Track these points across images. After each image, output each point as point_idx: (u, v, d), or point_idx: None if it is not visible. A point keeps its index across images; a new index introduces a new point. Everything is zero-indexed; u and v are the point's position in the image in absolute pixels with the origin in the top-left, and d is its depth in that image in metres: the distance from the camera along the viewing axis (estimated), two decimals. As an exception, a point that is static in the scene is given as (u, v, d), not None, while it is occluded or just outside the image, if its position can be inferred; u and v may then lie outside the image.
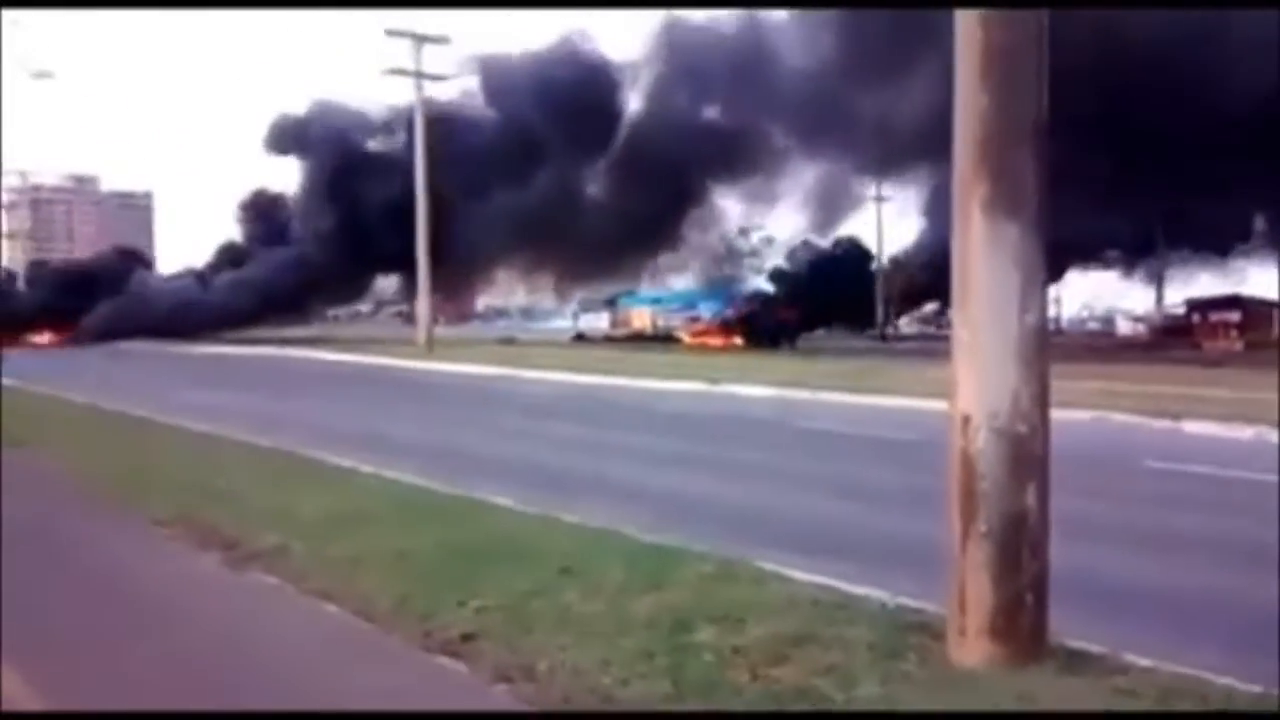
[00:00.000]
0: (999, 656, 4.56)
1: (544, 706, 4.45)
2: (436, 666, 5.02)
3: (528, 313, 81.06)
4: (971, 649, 4.61)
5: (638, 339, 55.01)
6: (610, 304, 64.01)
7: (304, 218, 56.27)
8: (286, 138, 56.62)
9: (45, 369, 30.45)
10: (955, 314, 4.86)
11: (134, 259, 66.81)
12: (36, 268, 70.14)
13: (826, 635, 4.96)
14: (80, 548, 7.78)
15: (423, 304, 45.95)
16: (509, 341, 50.10)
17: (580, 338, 57.99)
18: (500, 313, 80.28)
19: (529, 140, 47.84)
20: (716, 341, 49.73)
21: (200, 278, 61.26)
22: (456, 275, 53.84)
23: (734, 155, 46.68)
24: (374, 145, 55.72)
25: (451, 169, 45.28)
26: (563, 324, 66.55)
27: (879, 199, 50.49)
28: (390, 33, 45.54)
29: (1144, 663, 4.63)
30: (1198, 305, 47.98)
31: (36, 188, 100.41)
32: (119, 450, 12.29)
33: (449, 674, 4.93)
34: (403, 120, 50.24)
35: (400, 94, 56.05)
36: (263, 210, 60.78)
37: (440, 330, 47.92)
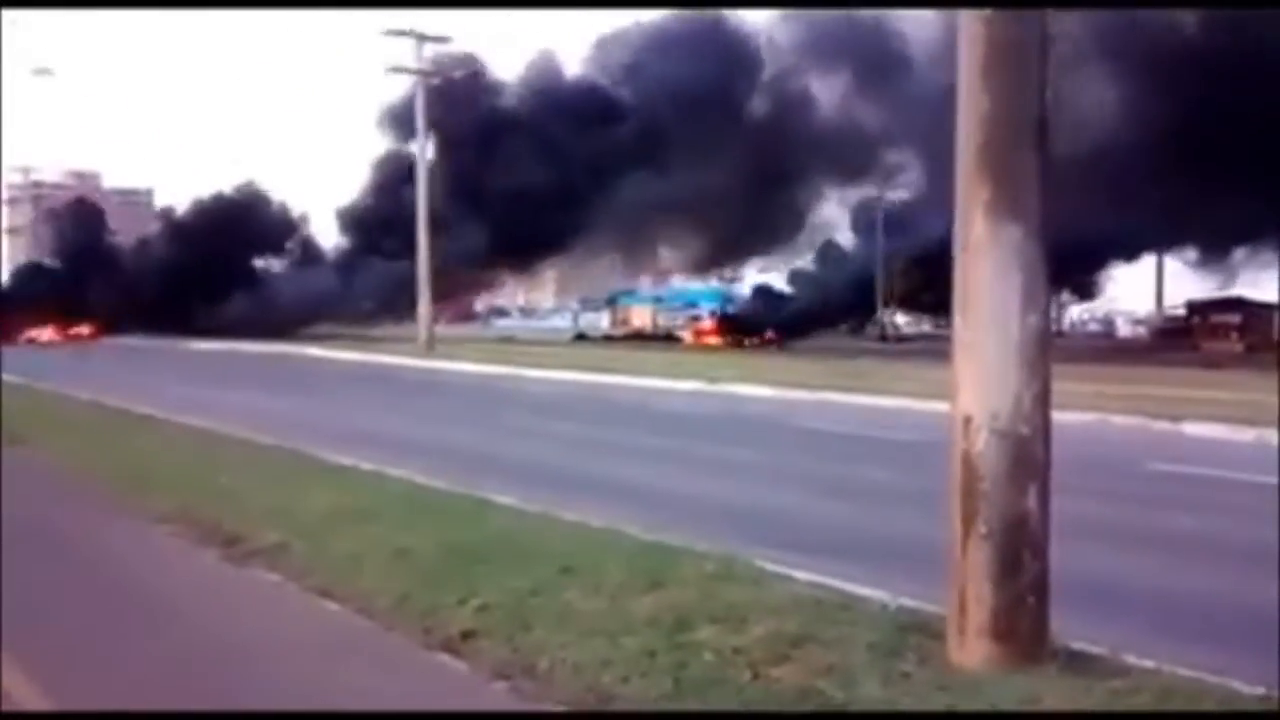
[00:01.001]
0: (999, 657, 4.56)
1: (544, 705, 4.45)
2: (436, 664, 5.03)
3: (527, 312, 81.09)
4: (972, 650, 4.61)
5: (638, 338, 55.07)
6: (611, 303, 64.05)
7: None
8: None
9: (48, 366, 30.46)
10: (957, 315, 4.86)
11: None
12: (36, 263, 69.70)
13: (827, 635, 4.96)
14: (80, 544, 7.79)
15: (423, 302, 45.93)
16: (509, 340, 50.14)
17: (581, 337, 58.03)
18: (500, 312, 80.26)
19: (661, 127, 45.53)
20: (716, 340, 49.78)
21: (344, 267, 57.59)
22: (456, 275, 53.36)
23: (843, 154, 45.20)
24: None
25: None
26: (562, 323, 66.55)
27: (880, 198, 50.44)
28: (390, 32, 45.54)
29: (1145, 664, 4.64)
30: (1198, 307, 47.95)
31: (38, 184, 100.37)
32: (120, 447, 12.29)
33: (449, 672, 4.94)
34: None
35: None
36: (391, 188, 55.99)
37: (440, 329, 47.84)
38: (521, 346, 43.04)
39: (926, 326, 55.90)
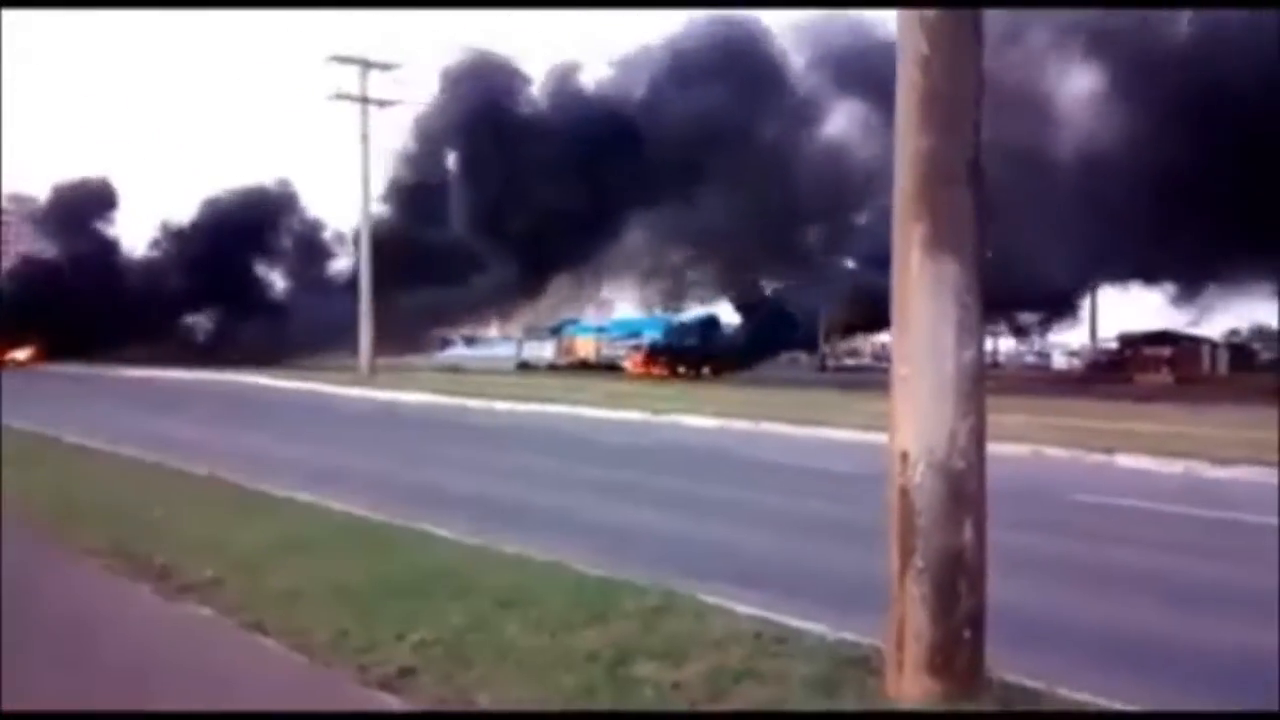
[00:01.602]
0: (936, 692, 4.60)
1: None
2: (375, 701, 4.96)
3: (471, 341, 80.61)
4: (909, 684, 4.65)
5: (582, 367, 55.04)
6: (555, 332, 63.94)
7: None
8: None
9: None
10: (894, 350, 4.92)
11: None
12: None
13: (766, 670, 4.98)
14: (6, 578, 7.58)
15: (364, 330, 45.61)
16: (453, 369, 49.86)
17: (524, 366, 57.85)
18: (445, 341, 79.73)
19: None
20: (661, 370, 49.89)
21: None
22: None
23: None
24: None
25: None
26: (506, 352, 66.26)
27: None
28: (336, 59, 45.45)
29: (1078, 696, 4.70)
30: (1130, 340, 49.00)
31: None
32: (50, 477, 12.02)
33: (386, 710, 4.87)
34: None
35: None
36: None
37: (382, 359, 47.48)
38: (466, 376, 42.82)
39: (866, 359, 56.51)
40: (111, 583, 7.38)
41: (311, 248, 64.31)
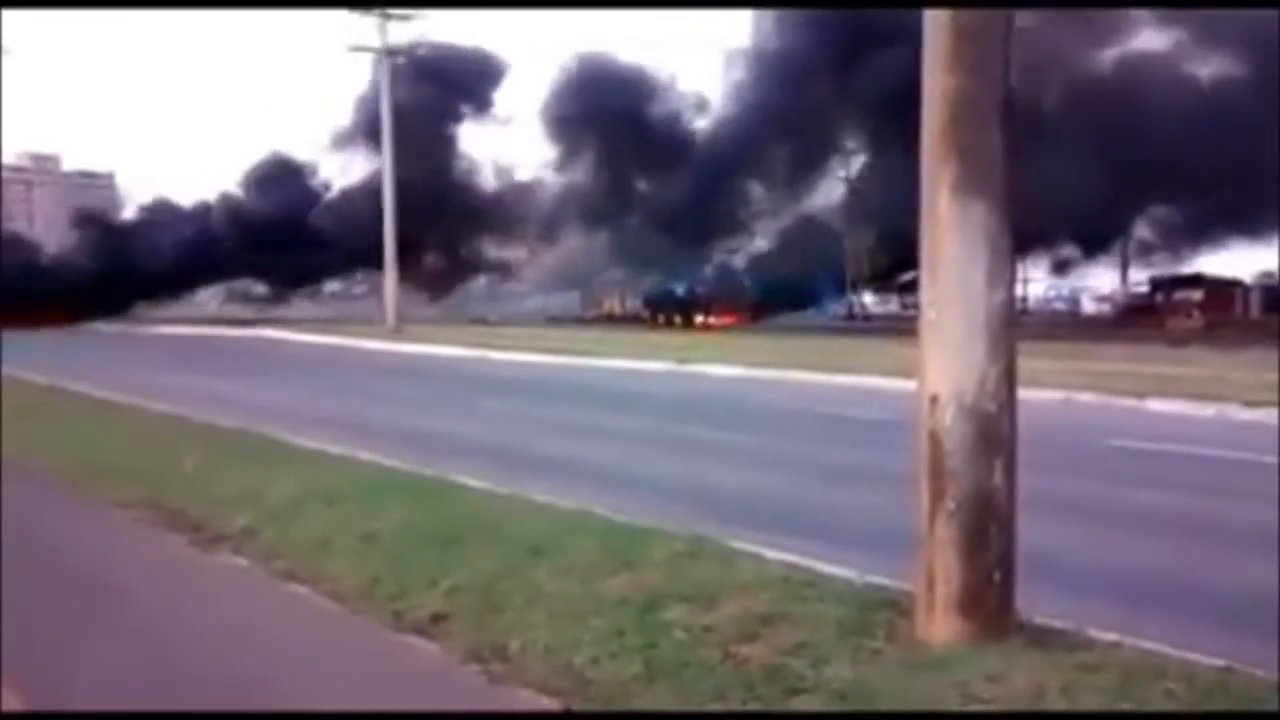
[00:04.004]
0: (966, 633, 4.60)
1: (515, 685, 4.46)
2: (407, 647, 5.02)
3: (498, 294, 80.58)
4: (939, 626, 4.66)
5: (609, 319, 54.98)
6: (581, 285, 63.87)
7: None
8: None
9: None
10: (923, 293, 4.88)
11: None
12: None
13: (796, 613, 4.99)
14: (43, 532, 7.70)
15: (390, 285, 45.75)
16: (479, 322, 49.97)
17: (553, 319, 57.83)
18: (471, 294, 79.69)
19: None
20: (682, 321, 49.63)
21: None
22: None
23: None
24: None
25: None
26: (533, 306, 66.24)
27: (847, 179, 50.47)
28: (354, 6, 45.17)
29: (1108, 638, 4.69)
30: (1161, 284, 48.37)
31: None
32: (82, 433, 12.16)
33: (420, 654, 4.93)
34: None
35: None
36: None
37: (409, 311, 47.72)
38: (495, 330, 42.93)
39: (894, 306, 56.05)
40: (145, 533, 7.48)
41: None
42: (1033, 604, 4.85)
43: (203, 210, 61.54)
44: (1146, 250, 46.48)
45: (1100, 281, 57.44)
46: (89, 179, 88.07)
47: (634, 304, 58.01)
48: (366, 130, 55.49)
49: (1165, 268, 46.70)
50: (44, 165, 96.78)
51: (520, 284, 71.73)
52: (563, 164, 54.63)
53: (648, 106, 51.59)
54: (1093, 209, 38.63)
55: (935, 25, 4.75)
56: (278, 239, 54.67)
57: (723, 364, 23.06)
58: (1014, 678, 4.20)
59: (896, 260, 43.77)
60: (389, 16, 45.76)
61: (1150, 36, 38.67)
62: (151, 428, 12.58)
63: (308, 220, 57.25)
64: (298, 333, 41.00)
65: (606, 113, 48.82)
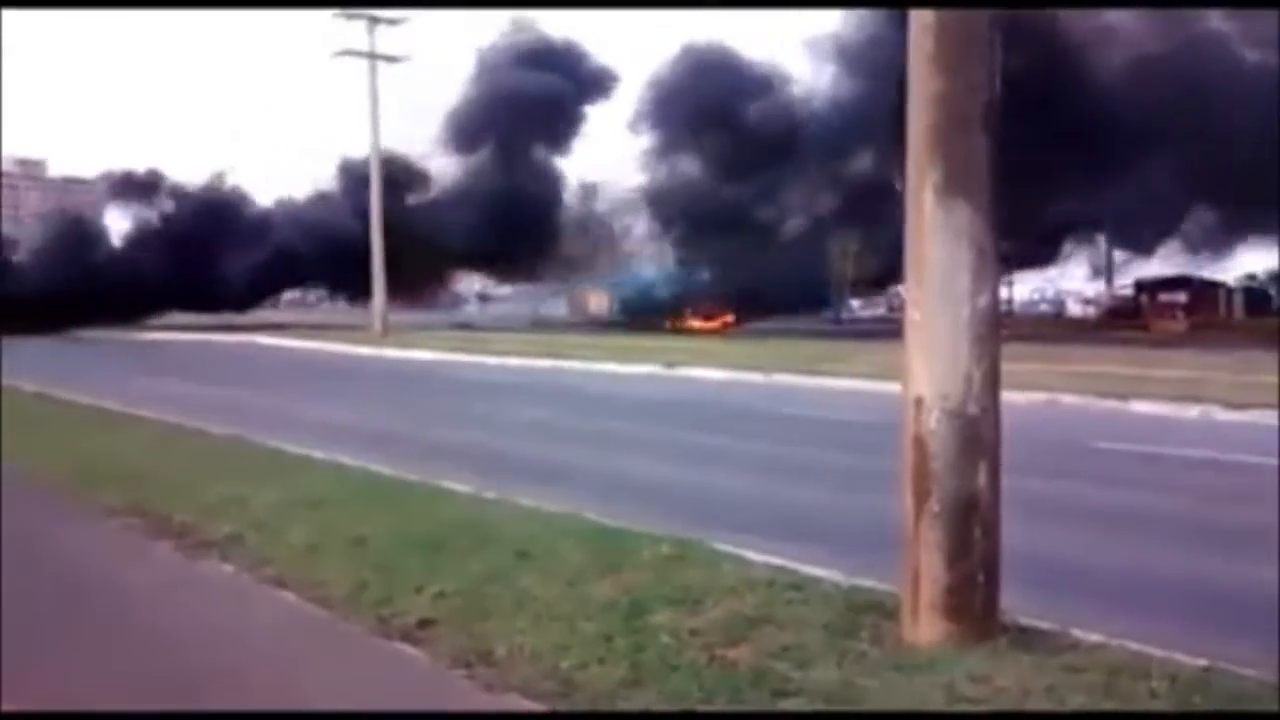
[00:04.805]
0: (951, 635, 4.62)
1: (502, 690, 4.46)
2: (394, 653, 5.02)
3: (484, 298, 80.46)
4: (924, 628, 4.68)
5: (595, 323, 54.95)
6: (565, 289, 63.91)
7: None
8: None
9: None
10: (908, 296, 4.91)
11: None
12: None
13: (782, 616, 5.01)
14: (29, 538, 7.66)
15: (377, 290, 45.70)
16: (465, 327, 49.91)
17: (538, 322, 57.75)
18: (457, 298, 79.55)
19: None
20: (684, 325, 49.61)
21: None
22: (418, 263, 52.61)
23: None
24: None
25: None
26: (519, 309, 66.21)
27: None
28: (343, 14, 45.11)
29: (1092, 638, 4.72)
30: (1146, 286, 48.64)
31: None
32: (67, 439, 12.11)
33: (407, 660, 4.92)
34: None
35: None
36: None
37: (395, 316, 47.60)
38: (481, 334, 42.86)
39: (880, 310, 56.16)
40: (132, 540, 7.45)
41: None
42: (1017, 605, 4.87)
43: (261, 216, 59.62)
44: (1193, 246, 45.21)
45: (1084, 284, 57.72)
46: (75, 184, 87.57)
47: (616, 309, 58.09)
48: (455, 137, 55.93)
49: (1208, 266, 46.42)
50: (30, 170, 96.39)
51: (504, 287, 71.82)
52: (660, 163, 53.16)
53: (752, 101, 48.98)
54: (1149, 205, 38.62)
55: (920, 28, 4.78)
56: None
57: (711, 367, 23.09)
58: (999, 678, 4.22)
59: (883, 263, 43.78)
60: (377, 20, 45.69)
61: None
62: (139, 434, 12.52)
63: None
64: (288, 339, 40.92)
65: (715, 108, 47.15)
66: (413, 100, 72.05)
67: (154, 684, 4.73)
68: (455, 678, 4.65)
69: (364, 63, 46.26)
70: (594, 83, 56.87)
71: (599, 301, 61.64)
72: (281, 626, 5.57)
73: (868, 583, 5.48)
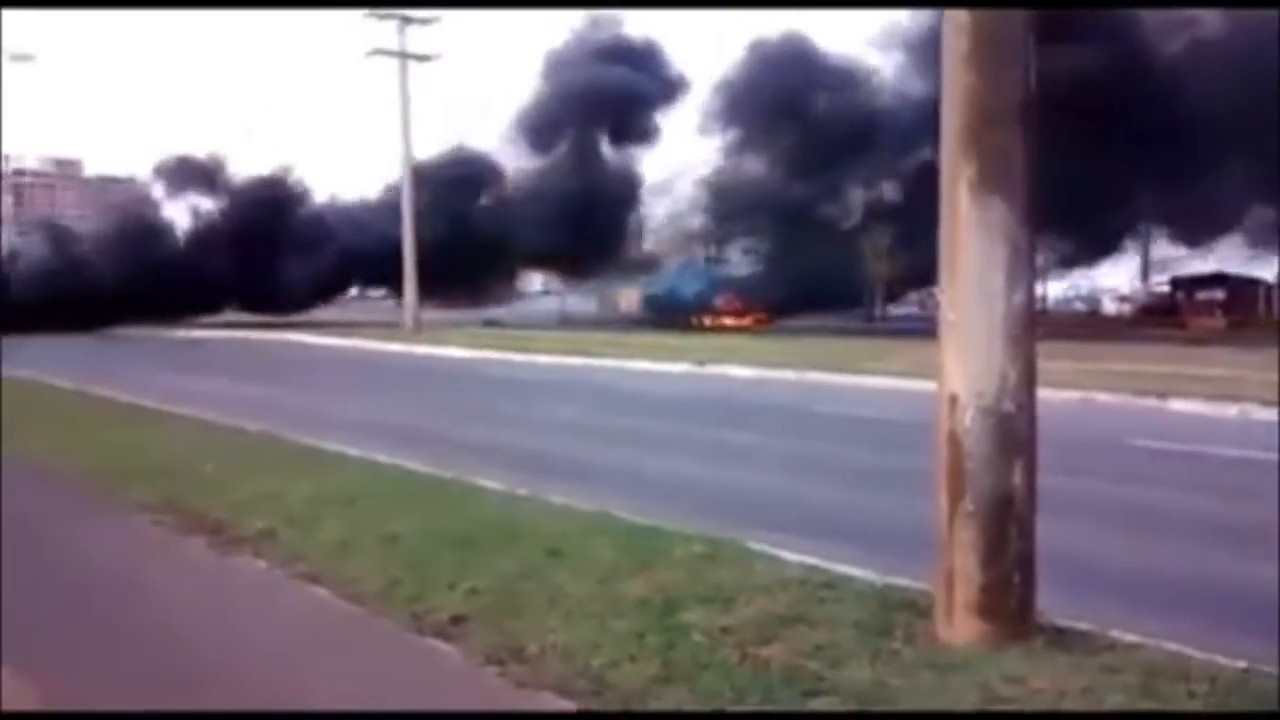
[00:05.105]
0: (986, 634, 4.59)
1: (535, 688, 4.46)
2: (427, 649, 5.03)
3: (515, 294, 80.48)
4: (959, 627, 4.64)
5: (623, 321, 54.92)
6: (595, 287, 63.87)
7: None
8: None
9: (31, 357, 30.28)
10: (942, 294, 4.87)
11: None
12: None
13: (815, 615, 4.99)
14: (63, 534, 7.75)
15: (409, 288, 45.93)
16: (494, 324, 50.05)
17: (566, 321, 57.82)
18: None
19: None
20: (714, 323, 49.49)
21: None
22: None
23: None
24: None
25: None
26: (550, 306, 66.29)
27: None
28: (374, 14, 45.32)
29: (1129, 639, 4.67)
30: (1183, 283, 48.05)
31: (19, 172, 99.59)
32: (102, 435, 12.23)
33: (439, 656, 4.94)
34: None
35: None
36: None
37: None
38: (511, 331, 42.99)
39: (913, 308, 55.76)
40: (164, 536, 7.51)
41: None
42: (1052, 605, 4.83)
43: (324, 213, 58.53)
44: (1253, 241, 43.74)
45: (1120, 281, 57.12)
46: (111, 183, 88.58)
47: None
48: (529, 132, 55.42)
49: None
50: (66, 170, 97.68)
51: (533, 284, 71.76)
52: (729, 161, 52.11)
53: (824, 96, 47.27)
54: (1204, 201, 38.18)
55: (954, 26, 4.75)
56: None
57: (741, 366, 23.03)
58: (1034, 679, 4.18)
59: (915, 261, 43.46)
60: (409, 20, 45.88)
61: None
62: (173, 430, 12.63)
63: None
64: (321, 336, 41.22)
65: (786, 103, 45.89)
66: (482, 98, 71.23)
67: (180, 683, 4.76)
68: (488, 675, 4.65)
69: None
70: (670, 82, 55.92)
71: (629, 299, 61.53)
72: (314, 623, 5.60)
73: (901, 581, 5.44)
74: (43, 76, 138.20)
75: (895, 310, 55.67)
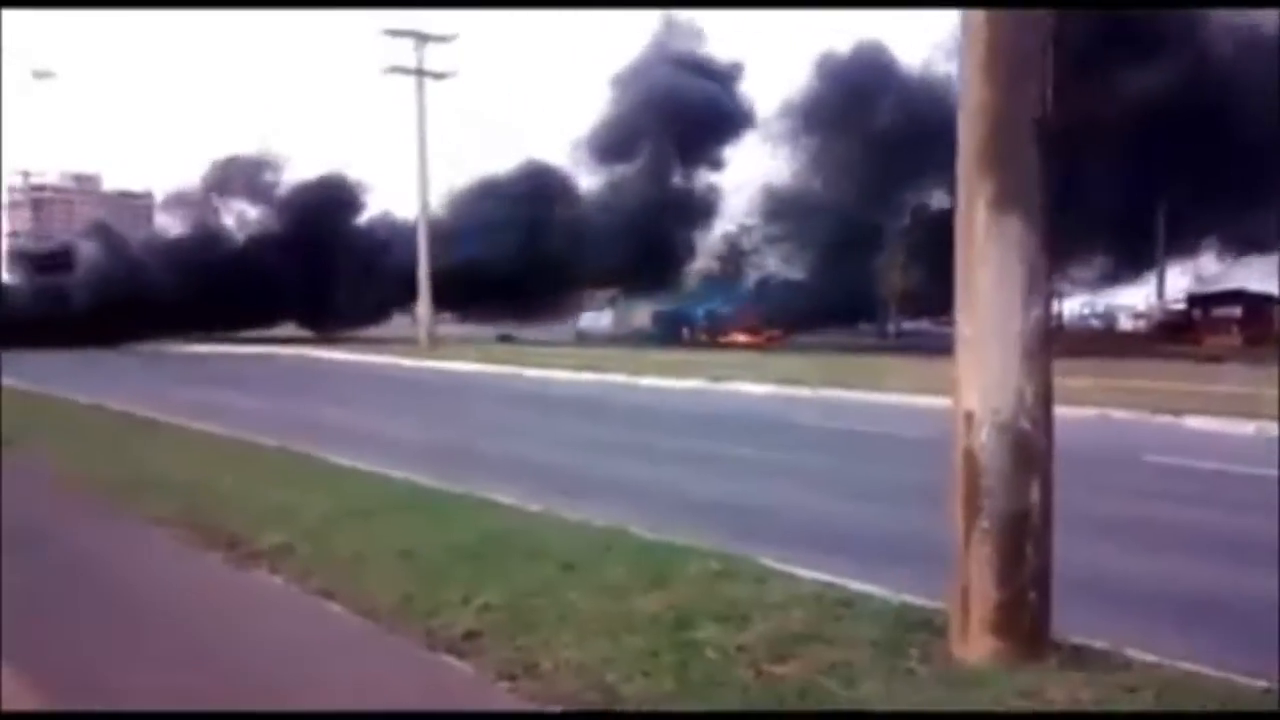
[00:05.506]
0: (1002, 653, 4.56)
1: (548, 705, 4.45)
2: (440, 665, 5.03)
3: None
4: (974, 646, 4.62)
5: (636, 338, 54.95)
6: (611, 303, 63.91)
7: None
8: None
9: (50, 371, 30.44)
10: (959, 310, 4.86)
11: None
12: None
13: (830, 632, 4.96)
14: (78, 548, 7.77)
15: (423, 304, 46.07)
16: (507, 339, 50.14)
17: (581, 337, 57.86)
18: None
19: None
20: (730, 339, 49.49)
21: None
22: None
23: None
24: None
25: None
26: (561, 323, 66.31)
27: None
28: (391, 33, 45.58)
29: (1146, 658, 4.63)
30: (1199, 300, 47.81)
31: (38, 187, 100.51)
32: (119, 449, 12.28)
33: (453, 672, 4.93)
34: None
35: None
36: None
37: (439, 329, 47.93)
38: (520, 347, 43.06)
39: (926, 323, 55.58)
40: (180, 550, 7.53)
41: None
42: (1068, 624, 4.80)
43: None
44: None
45: (1136, 298, 56.86)
46: (129, 198, 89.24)
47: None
48: (597, 147, 54.99)
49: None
50: (85, 185, 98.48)
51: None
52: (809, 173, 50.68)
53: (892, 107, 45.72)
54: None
55: (972, 39, 4.74)
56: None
57: (754, 382, 23.00)
58: (1050, 698, 4.15)
59: (930, 276, 43.27)
60: (425, 39, 46.12)
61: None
62: (188, 446, 12.67)
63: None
64: (338, 351, 41.41)
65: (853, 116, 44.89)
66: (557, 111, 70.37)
67: (196, 694, 4.77)
68: (500, 691, 4.65)
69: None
70: (748, 110, 54.79)
71: (643, 317, 61.58)
72: (327, 639, 5.60)
73: (917, 599, 5.41)
74: (62, 93, 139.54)
75: (908, 325, 55.51)
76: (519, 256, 51.79)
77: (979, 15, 4.72)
